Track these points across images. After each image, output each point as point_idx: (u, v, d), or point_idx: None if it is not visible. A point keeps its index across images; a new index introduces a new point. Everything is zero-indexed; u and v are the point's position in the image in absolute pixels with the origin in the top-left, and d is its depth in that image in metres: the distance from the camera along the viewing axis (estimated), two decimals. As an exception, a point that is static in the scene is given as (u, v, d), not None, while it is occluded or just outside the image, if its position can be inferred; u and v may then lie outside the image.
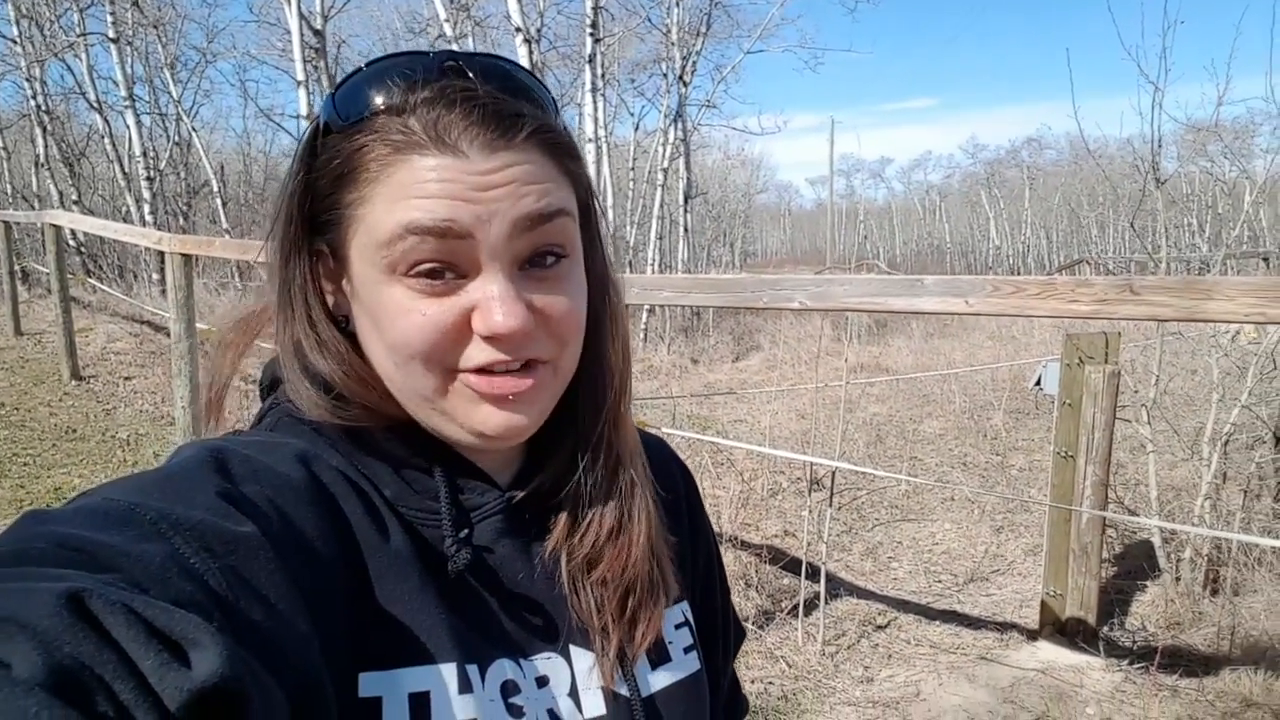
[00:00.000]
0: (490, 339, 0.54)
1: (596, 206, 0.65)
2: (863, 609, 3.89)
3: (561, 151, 0.58)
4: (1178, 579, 3.79)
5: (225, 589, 0.40)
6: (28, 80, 17.95)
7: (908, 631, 3.68)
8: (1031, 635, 3.60)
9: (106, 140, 17.72)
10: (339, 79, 0.59)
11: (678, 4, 15.85)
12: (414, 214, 0.52)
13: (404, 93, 0.54)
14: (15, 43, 17.85)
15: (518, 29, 10.82)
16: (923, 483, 5.38)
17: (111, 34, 15.87)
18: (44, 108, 18.28)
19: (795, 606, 3.60)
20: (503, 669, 0.56)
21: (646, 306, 12.45)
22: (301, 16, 11.15)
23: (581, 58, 12.43)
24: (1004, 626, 3.70)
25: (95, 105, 17.47)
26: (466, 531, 0.59)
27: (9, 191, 20.84)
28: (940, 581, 4.30)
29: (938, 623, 3.77)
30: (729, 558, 3.86)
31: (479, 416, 0.57)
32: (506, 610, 0.59)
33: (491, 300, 0.53)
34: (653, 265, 16.96)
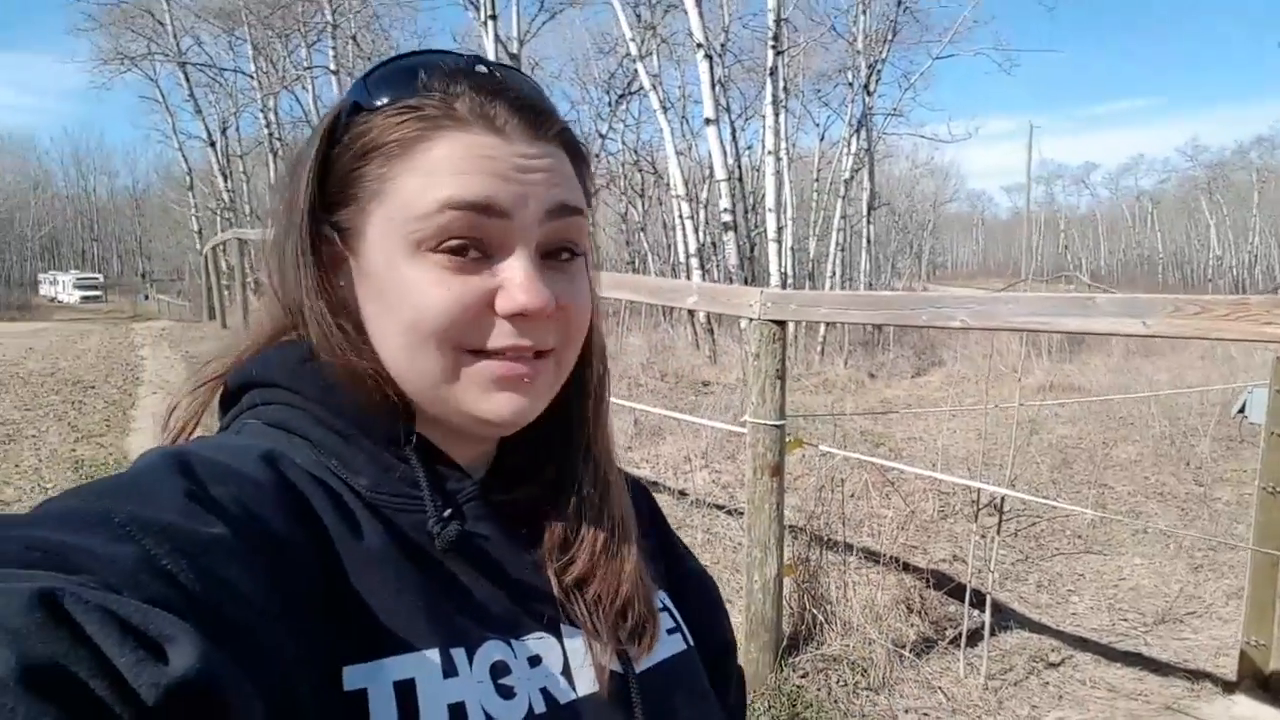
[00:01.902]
0: (514, 317, 0.55)
1: (592, 218, 0.66)
2: (1034, 643, 3.67)
3: (581, 158, 0.62)
4: None
5: (198, 590, 0.39)
6: (262, 111, 20.07)
7: (1084, 672, 3.45)
8: (1228, 687, 3.28)
9: (327, 164, 19.36)
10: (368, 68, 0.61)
11: (864, 12, 15.57)
12: (455, 189, 0.53)
13: (445, 79, 0.56)
14: (252, 77, 20.02)
15: (699, 45, 10.99)
16: (1103, 515, 5.00)
17: (333, 66, 17.42)
18: (276, 135, 20.38)
19: (958, 636, 3.46)
20: (492, 650, 0.56)
21: (820, 323, 12.27)
22: (498, 40, 11.83)
23: (763, 71, 12.43)
24: (1196, 675, 3.38)
25: (318, 132, 19.16)
26: (450, 510, 0.59)
27: (247, 211, 23.34)
28: (1125, 620, 3.99)
29: (1119, 665, 3.50)
30: (890, 580, 3.77)
31: (490, 403, 0.57)
32: (493, 591, 0.59)
33: (519, 278, 0.55)
34: (832, 278, 16.68)
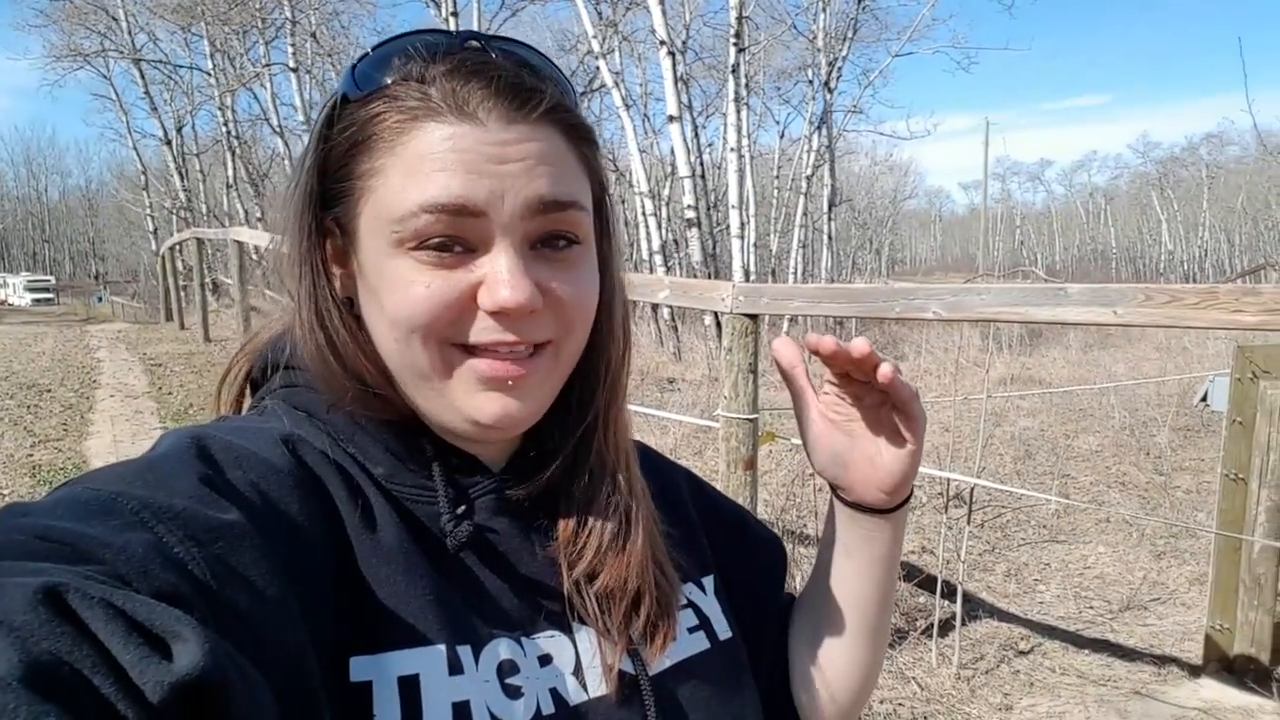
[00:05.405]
0: (496, 314, 0.54)
1: (609, 202, 0.64)
2: (1004, 632, 3.72)
3: (579, 136, 0.58)
4: (1370, 618, 3.43)
5: (209, 578, 0.39)
6: (220, 109, 19.73)
7: (1053, 659, 3.50)
8: (1194, 671, 3.34)
9: (287, 162, 19.18)
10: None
11: (824, 10, 15.64)
12: (430, 191, 0.52)
13: (423, 63, 0.54)
14: (209, 75, 19.67)
15: (662, 42, 10.99)
16: (1071, 504, 5.08)
17: (291, 64, 17.16)
18: (233, 134, 20.04)
19: (930, 626, 3.49)
20: (499, 649, 0.55)
21: (787, 316, 12.34)
22: (458, 39, 11.69)
23: (725, 68, 12.47)
24: (1162, 660, 3.45)
25: (277, 130, 18.96)
26: (464, 507, 0.58)
27: (204, 211, 22.96)
28: (1092, 608, 4.06)
29: (1087, 652, 3.56)
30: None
31: (476, 404, 0.56)
32: (505, 589, 0.58)
33: (499, 274, 0.53)
34: (795, 273, 16.78)
